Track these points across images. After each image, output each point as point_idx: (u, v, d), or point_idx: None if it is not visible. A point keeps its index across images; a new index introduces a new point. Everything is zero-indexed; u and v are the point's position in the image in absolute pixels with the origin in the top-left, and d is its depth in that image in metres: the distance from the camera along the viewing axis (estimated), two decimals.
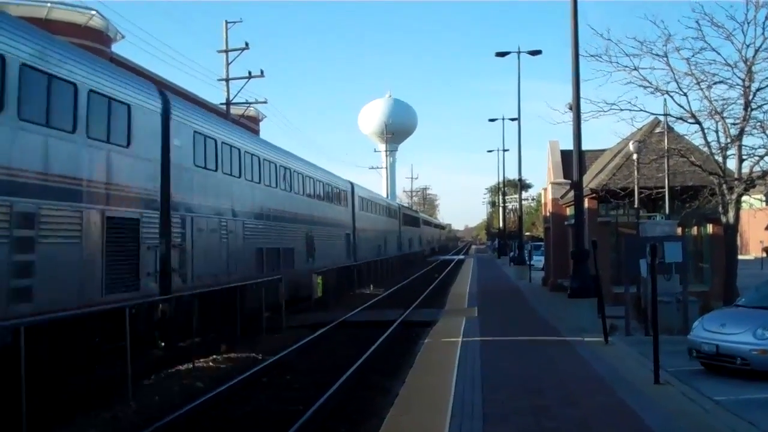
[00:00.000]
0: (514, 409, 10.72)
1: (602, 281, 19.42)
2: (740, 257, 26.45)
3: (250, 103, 43.23)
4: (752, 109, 21.40)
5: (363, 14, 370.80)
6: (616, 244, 27.78)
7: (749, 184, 22.14)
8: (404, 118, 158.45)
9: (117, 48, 42.35)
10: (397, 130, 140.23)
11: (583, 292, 20.64)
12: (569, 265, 26.10)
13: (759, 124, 21.67)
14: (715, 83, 21.65)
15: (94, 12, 38.53)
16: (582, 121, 21.65)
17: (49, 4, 37.16)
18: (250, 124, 58.22)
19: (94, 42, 37.03)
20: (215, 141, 20.00)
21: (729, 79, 21.44)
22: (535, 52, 50.37)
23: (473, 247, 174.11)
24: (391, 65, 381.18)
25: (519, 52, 50.96)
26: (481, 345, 17.22)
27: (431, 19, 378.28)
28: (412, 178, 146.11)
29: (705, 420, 10.00)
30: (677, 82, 21.93)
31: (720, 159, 22.32)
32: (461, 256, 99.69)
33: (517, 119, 58.60)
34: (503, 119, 69.31)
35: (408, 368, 14.93)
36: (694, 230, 29.48)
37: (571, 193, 26.47)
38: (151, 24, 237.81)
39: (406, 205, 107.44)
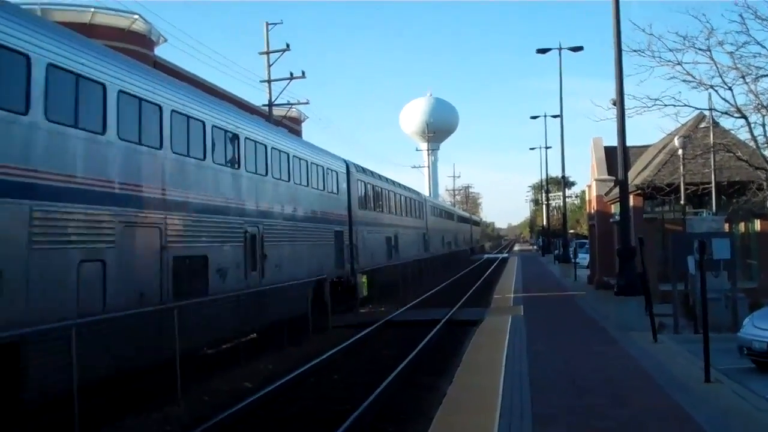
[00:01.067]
0: (564, 408, 10.68)
1: (649, 279, 19.20)
2: None
3: (292, 104, 43.55)
4: None
5: (403, 13, 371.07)
6: (663, 241, 27.47)
7: None
8: (445, 117, 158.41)
9: (159, 51, 42.95)
10: (438, 129, 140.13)
11: (630, 289, 20.48)
12: (615, 262, 25.89)
13: None
14: (761, 77, 21.27)
15: (136, 16, 38.98)
16: (626, 117, 21.47)
17: (92, 9, 37.70)
18: (291, 125, 58.56)
19: (137, 46, 37.49)
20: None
21: None
22: (577, 49, 50.10)
23: (516, 246, 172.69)
24: (432, 64, 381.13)
25: (560, 49, 50.80)
26: (528, 344, 17.14)
27: (472, 17, 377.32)
28: (454, 176, 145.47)
29: (758, 418, 9.87)
30: (721, 77, 21.53)
31: (767, 153, 21.95)
32: (504, 255, 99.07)
33: (560, 116, 58.30)
34: (545, 116, 69.03)
35: (455, 367, 14.92)
36: (742, 226, 29.02)
37: (616, 190, 26.23)
38: (193, 27, 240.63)
39: (449, 203, 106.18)
